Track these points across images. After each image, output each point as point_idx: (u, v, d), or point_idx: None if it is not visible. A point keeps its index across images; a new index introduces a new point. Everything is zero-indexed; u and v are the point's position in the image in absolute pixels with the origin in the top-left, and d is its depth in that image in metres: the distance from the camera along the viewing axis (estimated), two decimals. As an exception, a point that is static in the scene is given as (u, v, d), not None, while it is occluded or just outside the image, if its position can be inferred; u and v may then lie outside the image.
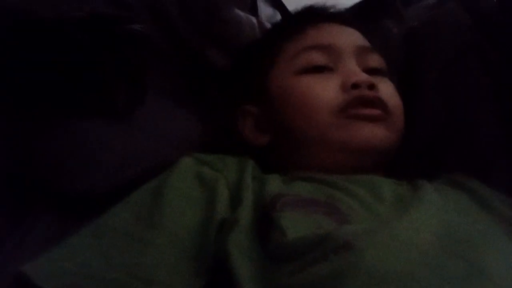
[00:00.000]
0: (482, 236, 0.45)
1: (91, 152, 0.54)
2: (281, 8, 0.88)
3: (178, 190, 0.49)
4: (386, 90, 0.60)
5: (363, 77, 0.58)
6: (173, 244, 0.44)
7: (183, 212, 0.46)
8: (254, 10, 0.81)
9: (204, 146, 0.62)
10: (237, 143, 0.64)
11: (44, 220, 0.52)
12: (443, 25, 0.75)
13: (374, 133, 0.56)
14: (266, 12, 0.84)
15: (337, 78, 0.59)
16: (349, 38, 0.64)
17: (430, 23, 0.77)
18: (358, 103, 0.56)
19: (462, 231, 0.44)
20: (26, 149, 0.50)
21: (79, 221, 0.47)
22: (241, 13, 0.76)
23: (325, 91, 0.58)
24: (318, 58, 0.61)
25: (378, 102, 0.57)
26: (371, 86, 0.57)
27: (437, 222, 0.44)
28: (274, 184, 0.52)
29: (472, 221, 0.48)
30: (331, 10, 0.72)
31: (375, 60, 0.64)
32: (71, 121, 0.53)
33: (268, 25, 0.79)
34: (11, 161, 0.49)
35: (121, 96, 0.55)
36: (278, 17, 0.87)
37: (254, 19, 0.77)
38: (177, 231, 0.44)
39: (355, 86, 0.57)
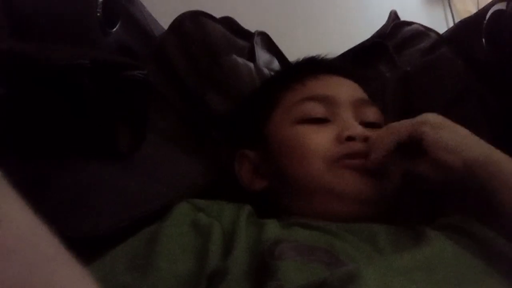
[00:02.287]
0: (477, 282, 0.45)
1: (93, 194, 0.54)
2: (278, 54, 0.91)
3: (172, 237, 0.48)
4: None
5: (358, 130, 0.59)
6: None
7: (175, 261, 0.45)
8: (252, 56, 0.83)
9: (204, 189, 0.63)
10: (236, 188, 0.65)
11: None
12: (439, 70, 0.78)
13: (365, 184, 0.56)
14: (264, 58, 0.86)
15: (333, 129, 0.60)
16: (347, 90, 0.65)
17: (426, 68, 0.80)
18: (351, 156, 0.57)
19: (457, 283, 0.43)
20: (30, 190, 0.50)
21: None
22: (240, 59, 0.78)
23: (320, 141, 0.59)
24: (315, 109, 0.62)
25: None
26: (366, 139, 0.58)
27: (432, 274, 0.43)
28: (272, 229, 0.51)
29: (469, 270, 0.47)
30: (331, 62, 0.74)
31: (372, 114, 0.65)
32: (74, 163, 0.54)
33: (266, 71, 0.82)
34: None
35: (124, 139, 0.56)
36: (275, 63, 0.89)
37: (251, 65, 0.80)
38: (168, 281, 0.43)
39: (350, 138, 0.58)
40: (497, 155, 0.50)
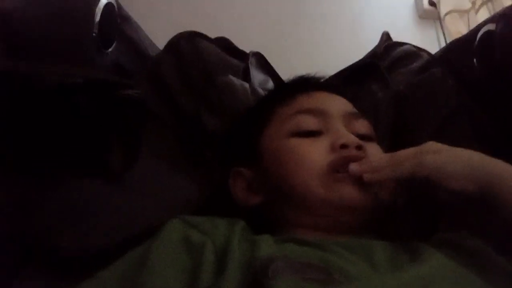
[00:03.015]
0: None
1: (86, 212, 0.53)
2: (273, 74, 0.92)
3: (163, 256, 0.48)
4: (374, 152, 0.61)
5: (352, 138, 0.59)
6: None
7: (166, 280, 0.45)
8: (247, 76, 0.84)
9: (198, 208, 0.62)
10: (230, 205, 0.65)
11: (37, 277, 0.52)
12: (431, 87, 0.79)
13: (360, 193, 0.56)
14: (258, 78, 0.87)
15: (326, 140, 0.60)
16: (337, 104, 0.67)
17: (419, 87, 0.81)
18: (346, 162, 0.57)
19: None
20: (23, 206, 0.50)
21: (70, 279, 0.47)
22: (235, 79, 0.79)
23: (314, 151, 0.59)
24: (308, 121, 0.63)
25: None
26: (359, 147, 0.59)
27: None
28: (266, 246, 0.51)
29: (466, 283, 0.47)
30: (321, 80, 0.75)
31: (363, 126, 0.66)
32: (67, 181, 0.54)
33: (260, 91, 0.82)
34: (8, 217, 0.50)
35: (117, 157, 0.56)
36: (270, 83, 0.90)
37: (247, 85, 0.80)
38: None
39: (344, 146, 0.58)
40: (500, 167, 0.51)
